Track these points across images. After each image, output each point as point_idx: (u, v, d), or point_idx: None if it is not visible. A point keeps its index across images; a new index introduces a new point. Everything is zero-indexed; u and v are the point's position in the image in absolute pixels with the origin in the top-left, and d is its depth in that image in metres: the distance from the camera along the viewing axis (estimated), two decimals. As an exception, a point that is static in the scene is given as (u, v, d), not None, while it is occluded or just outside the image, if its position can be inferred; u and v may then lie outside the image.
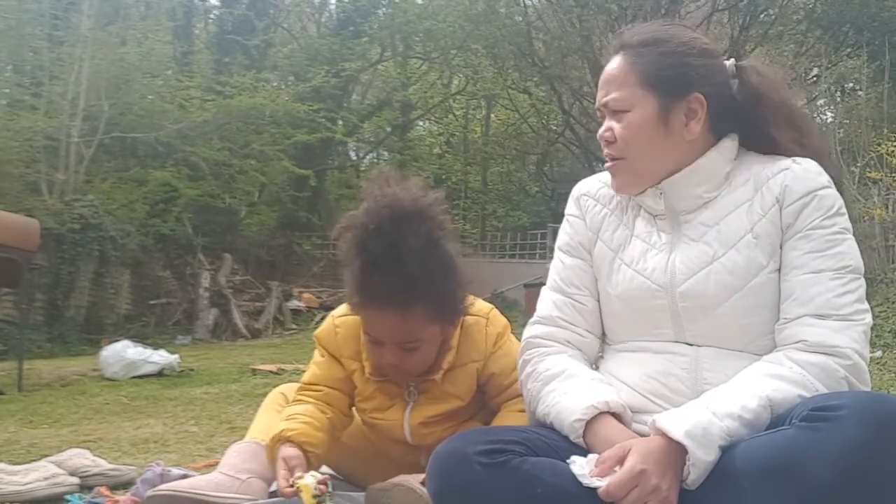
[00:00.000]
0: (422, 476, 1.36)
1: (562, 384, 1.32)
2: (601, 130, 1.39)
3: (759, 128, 1.36)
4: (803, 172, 1.31)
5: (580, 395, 1.27)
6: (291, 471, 1.47)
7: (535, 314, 1.47)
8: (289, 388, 1.81)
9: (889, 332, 5.77)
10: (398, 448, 1.71)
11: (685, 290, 1.30)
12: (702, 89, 1.32)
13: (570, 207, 1.50)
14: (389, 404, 1.64)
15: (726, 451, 1.12)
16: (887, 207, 7.44)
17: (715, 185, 1.34)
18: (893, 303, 6.29)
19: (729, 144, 1.36)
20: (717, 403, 1.16)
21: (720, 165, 1.34)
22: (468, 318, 1.63)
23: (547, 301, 1.46)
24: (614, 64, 1.38)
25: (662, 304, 1.32)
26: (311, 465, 1.52)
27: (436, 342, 1.57)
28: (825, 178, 1.32)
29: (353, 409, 1.73)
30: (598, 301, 1.44)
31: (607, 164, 1.39)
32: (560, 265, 1.47)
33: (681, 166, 1.34)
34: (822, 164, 1.34)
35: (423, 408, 1.62)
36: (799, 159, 1.32)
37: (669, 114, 1.33)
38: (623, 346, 1.39)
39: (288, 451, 1.51)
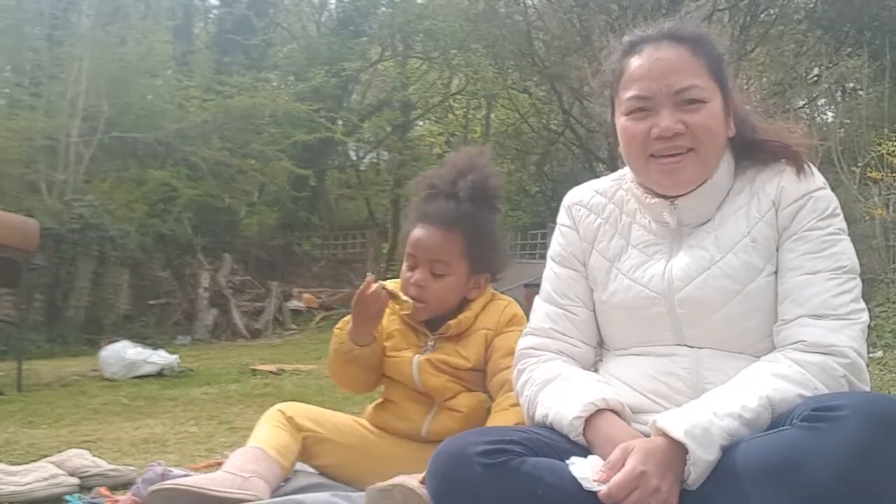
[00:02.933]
0: (421, 475, 1.37)
1: (558, 386, 1.32)
2: (668, 122, 1.27)
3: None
4: (806, 171, 1.31)
5: (578, 394, 1.27)
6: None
7: (529, 325, 1.47)
8: (287, 406, 1.87)
9: (889, 332, 5.76)
10: (403, 406, 1.80)
11: (684, 297, 1.30)
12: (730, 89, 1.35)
13: (562, 217, 1.49)
14: (405, 346, 1.81)
15: (727, 451, 1.12)
16: (888, 207, 7.43)
17: (721, 199, 1.35)
18: (894, 303, 6.28)
19: (729, 157, 1.36)
20: (718, 403, 1.16)
21: (727, 180, 1.35)
22: (495, 298, 1.84)
23: (540, 312, 1.46)
24: (672, 51, 1.31)
25: (661, 311, 1.32)
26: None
27: (460, 282, 1.76)
28: (820, 180, 1.33)
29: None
30: (593, 311, 1.43)
31: (670, 160, 1.29)
32: (552, 276, 1.47)
33: (717, 168, 1.33)
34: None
35: (434, 355, 1.78)
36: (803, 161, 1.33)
37: (728, 109, 1.34)
38: (623, 350, 1.39)
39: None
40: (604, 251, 1.41)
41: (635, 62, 1.33)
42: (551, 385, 1.33)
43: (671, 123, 1.28)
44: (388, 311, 1.82)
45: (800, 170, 1.32)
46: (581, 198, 1.47)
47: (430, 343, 1.80)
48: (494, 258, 1.81)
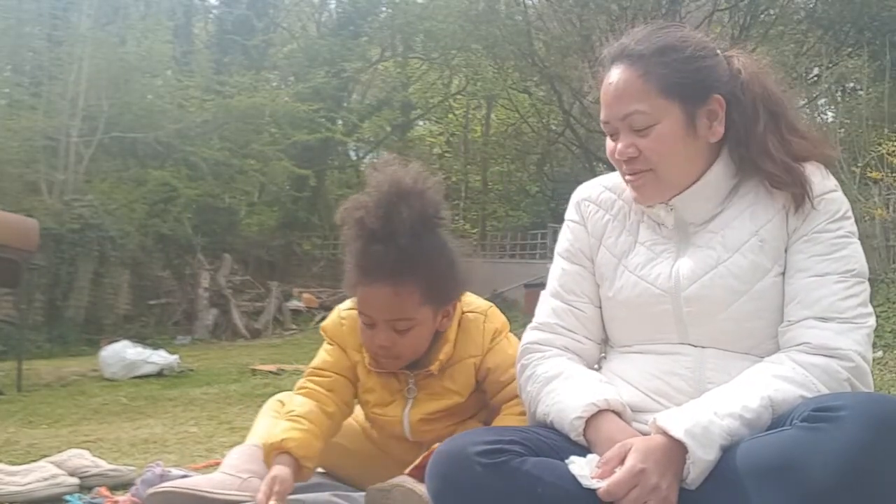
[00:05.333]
0: (408, 468, 1.42)
1: (561, 384, 1.32)
2: (621, 147, 1.31)
3: (745, 126, 1.32)
4: (810, 176, 1.30)
5: (580, 394, 1.26)
6: (274, 494, 1.46)
7: (534, 320, 1.46)
8: (286, 396, 1.83)
9: (890, 332, 5.76)
10: (399, 445, 1.72)
11: (690, 295, 1.29)
12: (718, 90, 1.31)
13: (571, 213, 1.48)
14: (390, 399, 1.66)
15: (727, 450, 1.12)
16: (888, 207, 7.42)
17: (723, 197, 1.34)
18: (894, 303, 6.28)
19: (725, 155, 1.34)
20: (719, 403, 1.16)
21: (727, 178, 1.33)
22: (467, 314, 1.66)
23: (545, 307, 1.45)
24: (621, 76, 1.31)
25: (667, 308, 1.31)
26: (301, 475, 1.54)
27: (428, 327, 1.57)
28: (832, 182, 1.32)
29: (356, 401, 1.74)
30: (599, 307, 1.43)
31: (631, 178, 1.33)
32: (560, 271, 1.46)
33: (704, 170, 1.32)
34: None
35: (423, 404, 1.63)
36: (805, 164, 1.31)
37: (695, 120, 1.30)
38: (627, 348, 1.39)
39: (281, 470, 1.50)
40: (611, 247, 1.41)
41: (603, 84, 1.35)
42: (553, 383, 1.33)
43: (623, 148, 1.31)
44: (361, 365, 1.67)
45: (812, 171, 1.30)
46: (590, 193, 1.47)
47: (412, 382, 1.64)
48: (456, 284, 1.59)
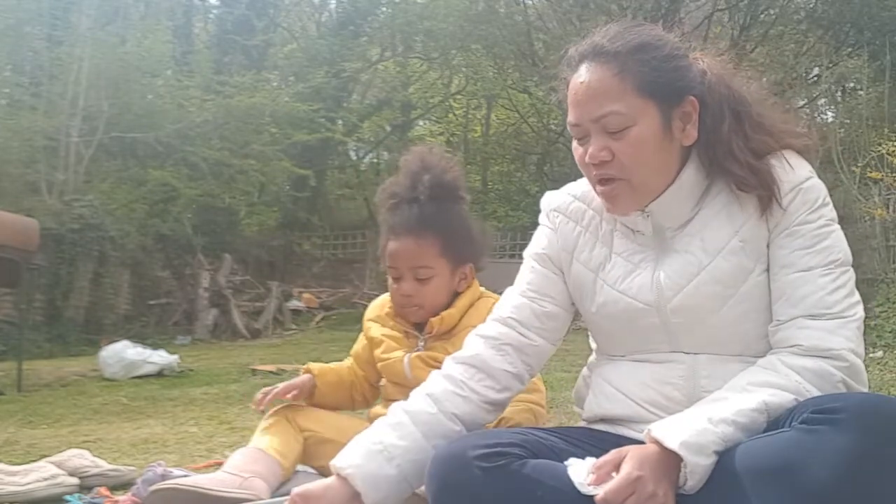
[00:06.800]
0: None
1: (386, 419, 1.35)
2: (593, 150, 1.24)
3: (713, 128, 1.28)
4: (783, 166, 1.27)
5: (358, 441, 1.32)
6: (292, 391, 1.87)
7: (493, 312, 1.44)
8: (289, 406, 1.89)
9: (890, 332, 5.76)
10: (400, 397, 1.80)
11: (676, 306, 1.28)
12: (692, 91, 1.27)
13: (544, 219, 1.45)
14: (396, 348, 1.86)
15: (726, 452, 1.11)
16: (888, 207, 7.41)
17: (697, 198, 1.31)
18: (894, 303, 6.28)
19: (695, 157, 1.31)
20: (712, 409, 1.15)
21: (700, 180, 1.30)
22: (482, 298, 1.86)
23: (505, 301, 1.43)
24: (594, 74, 1.25)
25: (654, 322, 1.30)
26: (313, 396, 1.91)
27: (446, 280, 1.81)
28: (805, 170, 1.28)
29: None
30: (564, 310, 1.41)
31: (603, 189, 1.28)
32: (528, 269, 1.44)
33: (676, 175, 1.29)
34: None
35: (424, 353, 1.82)
36: (777, 154, 1.28)
37: (671, 122, 1.27)
38: (619, 357, 1.38)
39: (303, 377, 1.92)
40: (586, 262, 1.37)
41: (571, 83, 1.29)
42: (393, 414, 1.35)
43: (595, 151, 1.25)
44: (376, 318, 1.93)
45: (785, 160, 1.27)
46: (559, 204, 1.43)
47: (421, 343, 1.84)
48: (472, 247, 1.86)
